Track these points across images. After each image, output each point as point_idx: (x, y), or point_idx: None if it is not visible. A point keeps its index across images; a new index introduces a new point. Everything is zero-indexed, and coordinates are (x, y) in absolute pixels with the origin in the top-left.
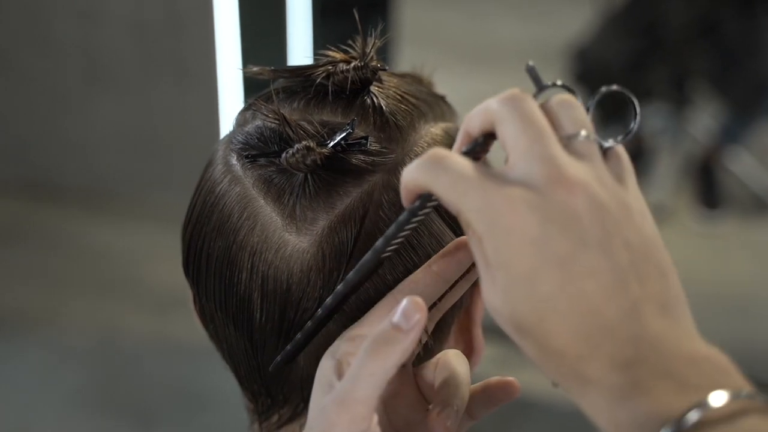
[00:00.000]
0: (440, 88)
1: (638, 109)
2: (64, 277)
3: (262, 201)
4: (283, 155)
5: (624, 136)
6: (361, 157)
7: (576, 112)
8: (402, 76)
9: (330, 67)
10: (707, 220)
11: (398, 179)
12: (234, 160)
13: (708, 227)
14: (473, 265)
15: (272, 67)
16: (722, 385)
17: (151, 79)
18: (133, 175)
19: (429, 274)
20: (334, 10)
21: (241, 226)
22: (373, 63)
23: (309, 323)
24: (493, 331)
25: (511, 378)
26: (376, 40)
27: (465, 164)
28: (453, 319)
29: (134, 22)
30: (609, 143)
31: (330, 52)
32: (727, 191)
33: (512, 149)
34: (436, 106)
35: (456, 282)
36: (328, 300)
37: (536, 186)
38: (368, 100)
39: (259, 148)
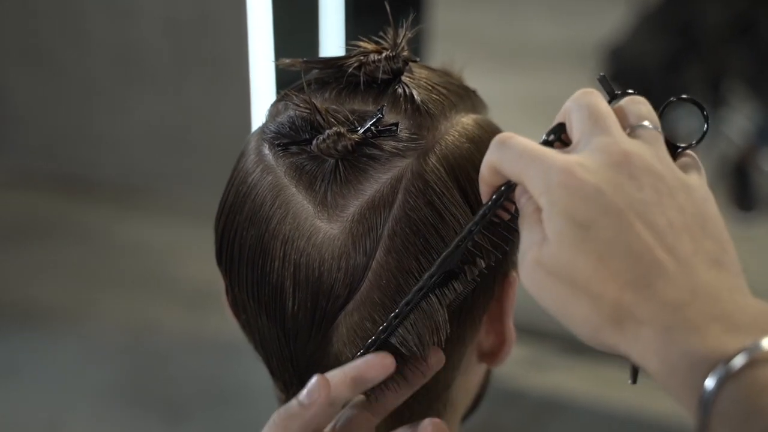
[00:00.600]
0: (473, 86)
1: (708, 118)
2: (96, 273)
3: (294, 189)
4: (314, 141)
5: (697, 141)
6: (392, 143)
7: (643, 107)
8: (432, 69)
9: (362, 58)
10: (742, 222)
11: (427, 165)
12: (266, 150)
13: (742, 229)
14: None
15: (304, 59)
16: None
17: (184, 76)
18: (166, 171)
19: (345, 376)
20: (365, 9)
21: (273, 214)
22: (405, 53)
23: (392, 316)
24: (525, 332)
25: (434, 419)
26: (407, 32)
27: (527, 141)
28: (484, 309)
29: (169, 20)
30: (682, 145)
31: (362, 43)
32: (762, 193)
33: (576, 132)
34: (467, 98)
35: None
36: (409, 295)
37: (594, 154)
38: (399, 89)
39: (291, 136)
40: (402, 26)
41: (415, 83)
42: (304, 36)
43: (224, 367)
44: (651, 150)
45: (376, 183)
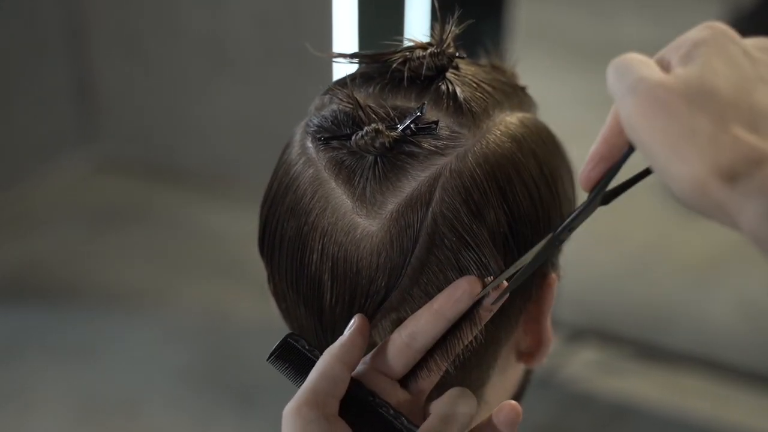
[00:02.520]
0: (558, 87)
1: None
2: (178, 258)
3: (334, 183)
4: (353, 137)
5: None
6: (431, 141)
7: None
8: (481, 65)
9: (407, 53)
10: None
11: (466, 164)
12: (309, 143)
13: None
14: (476, 304)
15: (352, 53)
16: None
17: (270, 68)
18: (251, 161)
19: (429, 312)
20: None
21: (312, 207)
22: (450, 50)
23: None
24: (599, 335)
25: (512, 401)
26: (454, 28)
27: (642, 59)
28: (522, 309)
29: (258, 13)
30: None
31: (409, 39)
32: None
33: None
34: (514, 95)
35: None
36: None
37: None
38: (443, 86)
39: (332, 131)
40: (449, 22)
41: (459, 80)
42: (388, 31)
43: None
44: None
45: (414, 180)
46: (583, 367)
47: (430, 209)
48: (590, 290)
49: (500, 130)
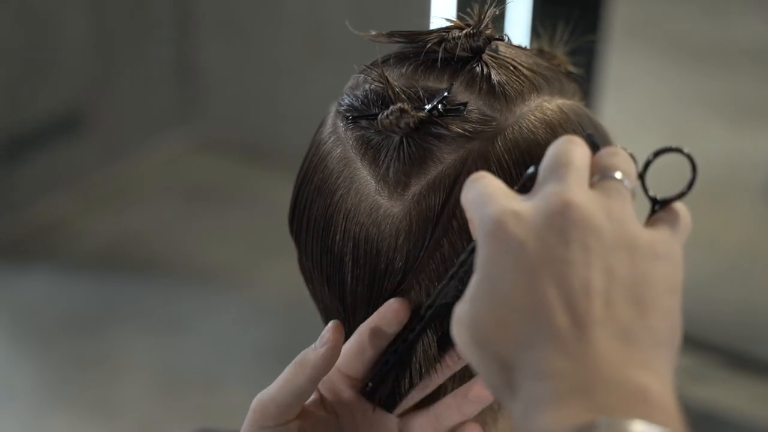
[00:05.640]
0: (662, 84)
1: (696, 169)
2: (266, 239)
3: (359, 163)
4: (379, 116)
5: (678, 194)
6: (460, 123)
7: (619, 159)
8: (523, 49)
9: (443, 33)
10: None
11: (494, 149)
12: (339, 122)
13: None
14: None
15: (389, 31)
16: (642, 416)
17: (367, 50)
18: None
19: (365, 329)
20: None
21: (338, 186)
22: (488, 31)
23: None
24: (689, 342)
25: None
26: (493, 9)
27: (490, 183)
28: None
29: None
30: (654, 195)
31: (447, 19)
32: None
33: (540, 178)
34: (556, 80)
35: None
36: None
37: (538, 203)
38: (477, 68)
39: (362, 110)
40: (487, 2)
41: (496, 62)
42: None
43: None
44: (603, 204)
45: (440, 163)
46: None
47: (453, 194)
48: (683, 294)
49: (535, 116)
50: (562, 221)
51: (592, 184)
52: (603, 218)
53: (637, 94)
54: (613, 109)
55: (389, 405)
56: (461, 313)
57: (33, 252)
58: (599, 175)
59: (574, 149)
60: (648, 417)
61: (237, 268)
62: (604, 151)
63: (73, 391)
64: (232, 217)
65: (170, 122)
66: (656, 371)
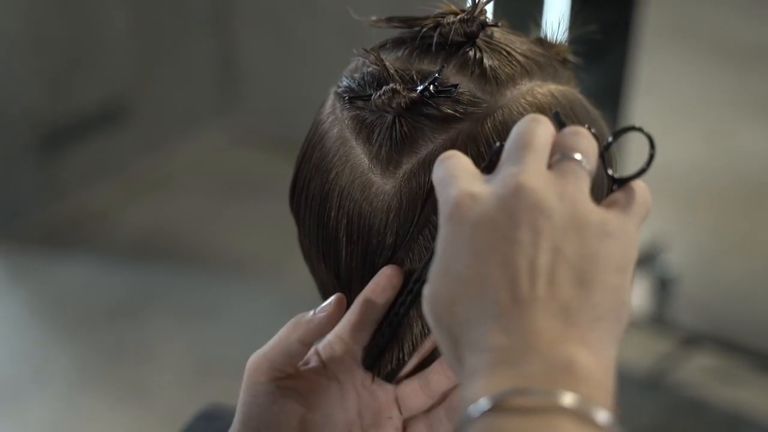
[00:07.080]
0: (696, 85)
1: (655, 148)
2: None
3: (354, 142)
4: (373, 96)
5: (636, 173)
6: (451, 104)
7: (579, 138)
8: (519, 35)
9: (439, 19)
10: None
11: (484, 130)
12: (337, 102)
13: None
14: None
15: (388, 17)
16: (564, 387)
17: None
18: None
19: (360, 300)
20: None
21: (334, 165)
22: (482, 17)
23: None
24: (717, 343)
25: None
26: None
27: (458, 163)
28: None
29: None
30: (613, 173)
31: (443, 5)
32: None
33: (502, 158)
34: (549, 67)
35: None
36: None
37: (495, 184)
38: (470, 53)
39: (358, 91)
40: None
41: (489, 47)
42: (526, 15)
43: None
44: (556, 183)
45: (430, 143)
46: (698, 373)
47: None
48: (715, 294)
49: (526, 100)
50: (513, 204)
51: (551, 164)
52: (555, 200)
53: (671, 95)
54: (645, 109)
55: (389, 376)
56: (425, 291)
57: (74, 240)
58: (559, 154)
59: (535, 128)
60: (571, 388)
61: (270, 259)
62: (566, 131)
63: (108, 374)
64: (267, 209)
65: (209, 114)
66: (591, 346)
